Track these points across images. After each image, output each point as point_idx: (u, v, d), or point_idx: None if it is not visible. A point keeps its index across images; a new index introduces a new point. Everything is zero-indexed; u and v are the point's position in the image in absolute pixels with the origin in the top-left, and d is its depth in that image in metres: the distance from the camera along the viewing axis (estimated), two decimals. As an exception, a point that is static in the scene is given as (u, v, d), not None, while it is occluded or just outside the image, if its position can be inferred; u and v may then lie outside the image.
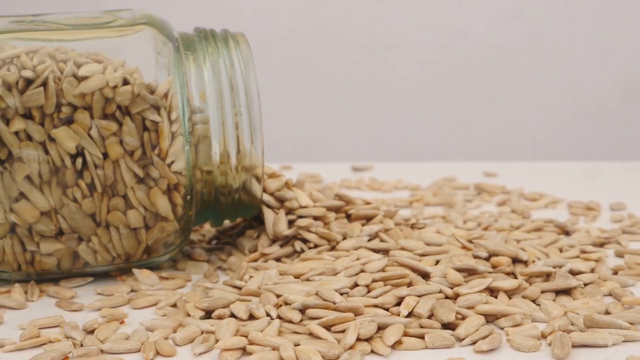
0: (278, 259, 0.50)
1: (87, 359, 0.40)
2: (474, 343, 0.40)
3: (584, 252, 0.51)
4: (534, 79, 1.00)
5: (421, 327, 0.41)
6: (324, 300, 0.43)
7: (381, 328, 0.41)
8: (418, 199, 0.65)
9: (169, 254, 0.50)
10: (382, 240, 0.50)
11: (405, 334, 0.41)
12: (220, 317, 0.43)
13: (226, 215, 0.52)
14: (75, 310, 0.45)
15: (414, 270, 0.46)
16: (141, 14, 0.50)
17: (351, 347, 0.39)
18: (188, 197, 0.48)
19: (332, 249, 0.50)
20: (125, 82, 0.47)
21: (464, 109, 1.05)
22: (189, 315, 0.44)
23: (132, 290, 0.48)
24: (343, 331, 0.41)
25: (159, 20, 0.50)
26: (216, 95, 0.49)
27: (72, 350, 0.40)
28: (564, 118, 1.01)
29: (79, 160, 0.46)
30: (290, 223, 0.52)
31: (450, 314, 0.41)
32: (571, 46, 0.98)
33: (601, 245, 0.54)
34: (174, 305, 0.45)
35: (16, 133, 0.46)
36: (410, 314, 0.42)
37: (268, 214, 0.52)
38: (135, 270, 0.49)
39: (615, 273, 0.49)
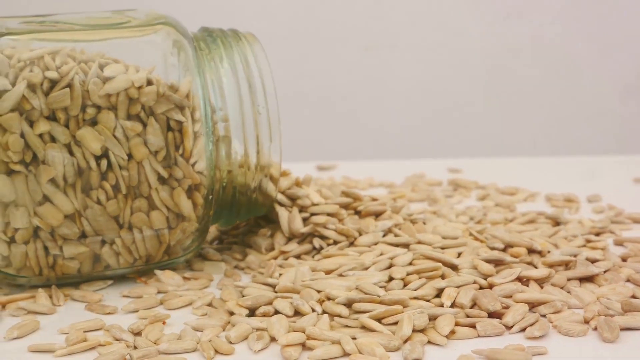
0: (297, 256, 0.51)
1: (148, 360, 0.39)
2: (522, 330, 0.41)
3: (589, 241, 0.52)
4: (534, 79, 1.02)
5: (467, 316, 0.42)
6: (367, 294, 0.43)
7: (430, 319, 0.42)
8: (400, 195, 0.66)
9: (188, 255, 0.50)
10: (396, 235, 0.51)
11: (456, 324, 0.42)
12: (265, 315, 0.43)
13: (239, 215, 0.52)
14: (109, 313, 0.45)
15: (442, 263, 0.47)
16: (154, 14, 0.50)
17: (408, 339, 0.40)
18: (210, 197, 0.48)
19: (350, 244, 0.51)
20: (149, 83, 0.46)
21: (464, 108, 1.06)
22: (232, 314, 0.44)
23: (158, 292, 0.48)
24: (392, 324, 0.41)
25: (174, 20, 0.50)
26: (236, 94, 0.49)
27: (130, 352, 0.40)
28: (563, 117, 1.03)
29: (104, 162, 0.46)
30: (303, 220, 0.52)
31: (495, 303, 0.42)
32: (571, 46, 1.01)
33: (597, 234, 0.55)
34: (209, 305, 0.45)
35: (40, 135, 0.45)
36: (452, 305, 0.43)
37: (282, 212, 0.52)
38: (157, 272, 0.49)
39: (624, 260, 0.51)
